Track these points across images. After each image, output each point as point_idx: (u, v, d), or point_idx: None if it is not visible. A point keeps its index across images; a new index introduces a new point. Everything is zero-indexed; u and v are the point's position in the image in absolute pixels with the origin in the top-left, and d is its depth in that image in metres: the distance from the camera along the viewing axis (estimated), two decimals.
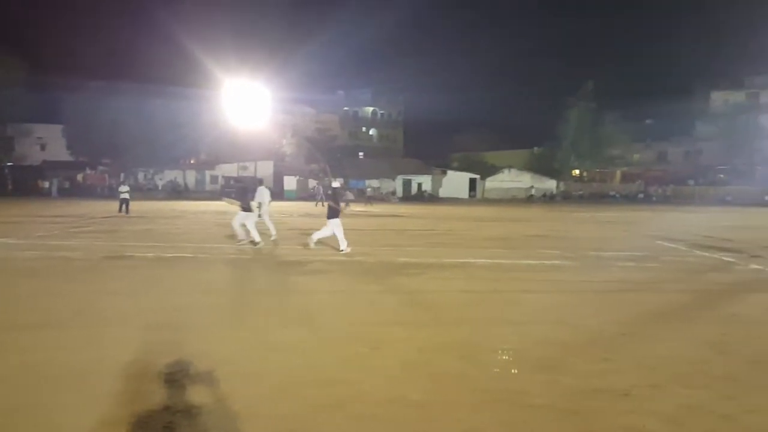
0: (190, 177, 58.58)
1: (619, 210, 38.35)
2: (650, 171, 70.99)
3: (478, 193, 62.11)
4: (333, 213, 12.88)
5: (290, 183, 56.46)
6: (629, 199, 58.60)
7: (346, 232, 12.96)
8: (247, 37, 69.54)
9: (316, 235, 13.10)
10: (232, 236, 16.14)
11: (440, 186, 61.16)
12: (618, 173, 71.30)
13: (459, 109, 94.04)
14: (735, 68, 72.20)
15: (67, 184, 54.36)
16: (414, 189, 60.40)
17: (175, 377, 4.59)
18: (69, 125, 52.66)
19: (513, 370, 4.87)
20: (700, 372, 4.87)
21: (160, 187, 54.66)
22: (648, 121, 73.34)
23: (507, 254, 13.07)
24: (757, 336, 6.15)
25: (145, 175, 57.42)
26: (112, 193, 45.70)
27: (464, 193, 61.00)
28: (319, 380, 4.59)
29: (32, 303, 7.35)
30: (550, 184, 63.13)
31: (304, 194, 55.60)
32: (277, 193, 54.35)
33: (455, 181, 61.65)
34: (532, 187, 58.93)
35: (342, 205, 13.56)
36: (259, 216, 15.10)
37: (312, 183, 55.28)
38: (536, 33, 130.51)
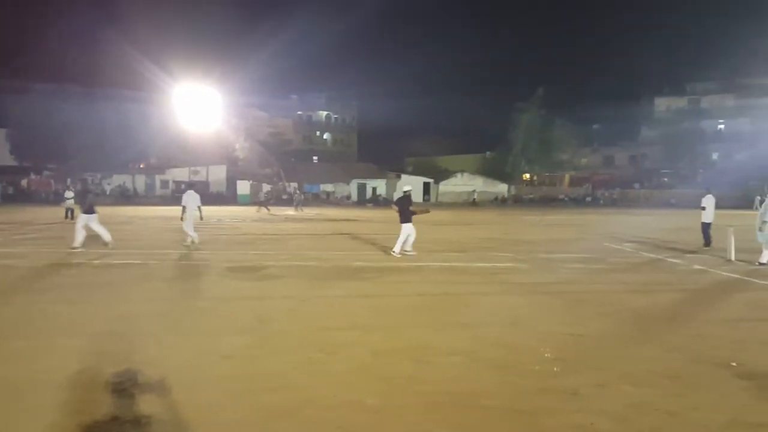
0: (140, 182, 57.08)
1: (568, 213, 39.31)
2: (598, 175, 73.10)
3: (432, 197, 62.66)
4: (405, 218, 13.06)
5: (243, 187, 55.69)
6: (578, 203, 60.14)
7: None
8: (198, 40, 68.30)
9: (398, 244, 13.21)
10: (182, 242, 15.82)
11: (394, 190, 61.40)
12: (567, 177, 73.09)
13: (413, 113, 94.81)
14: (678, 75, 75.27)
15: (10, 190, 52.20)
16: (369, 193, 60.48)
17: (124, 386, 4.47)
18: (12, 129, 50.71)
19: (465, 372, 4.94)
20: (646, 371, 5.03)
21: (108, 192, 53.06)
22: (595, 126, 75.59)
23: (461, 257, 13.23)
24: (698, 334, 6.40)
25: (92, 180, 55.65)
26: (58, 199, 44.12)
27: (418, 197, 61.42)
28: (272, 386, 4.54)
29: None
30: (502, 188, 64.25)
31: (257, 199, 55.00)
32: (231, 198, 53.58)
33: (409, 185, 61.96)
34: (474, 191, 59.67)
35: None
36: (182, 220, 14.91)
37: (293, 187, 54.65)
38: (488, 40, 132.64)
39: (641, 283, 10.00)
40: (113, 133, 50.40)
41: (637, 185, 67.26)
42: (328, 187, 61.40)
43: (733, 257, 12.78)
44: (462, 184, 63.35)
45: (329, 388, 4.52)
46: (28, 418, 3.92)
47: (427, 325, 6.68)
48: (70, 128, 47.90)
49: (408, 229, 13.12)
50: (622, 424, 3.89)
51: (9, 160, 53.42)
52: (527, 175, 71.76)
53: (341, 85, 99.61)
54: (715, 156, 70.32)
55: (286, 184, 58.58)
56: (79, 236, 13.55)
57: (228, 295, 8.45)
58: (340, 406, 4.17)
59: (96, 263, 11.47)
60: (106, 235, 13.89)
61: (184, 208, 15.07)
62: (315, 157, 76.79)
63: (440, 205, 56.30)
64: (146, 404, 4.14)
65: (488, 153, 72.40)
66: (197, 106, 48.01)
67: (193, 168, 56.03)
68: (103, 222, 14.53)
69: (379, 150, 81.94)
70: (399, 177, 63.72)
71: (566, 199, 62.81)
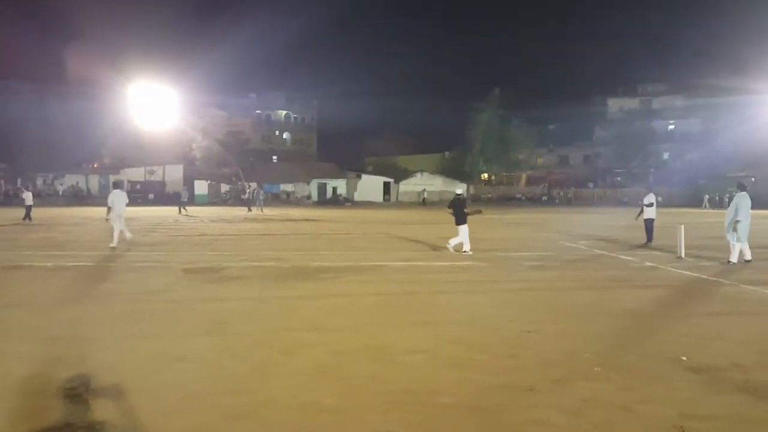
0: (93, 182, 55.49)
1: (524, 212, 39.99)
2: (553, 174, 74.60)
3: (393, 197, 62.86)
4: (461, 219, 13.56)
5: (201, 187, 54.78)
6: (534, 202, 61.24)
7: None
8: (155, 37, 67.09)
9: (453, 242, 13.73)
10: (136, 243, 15.49)
11: (355, 190, 61.36)
12: (524, 177, 74.42)
13: (373, 113, 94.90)
14: (630, 76, 77.31)
15: None
16: (329, 193, 60.26)
17: (77, 392, 4.34)
18: None
19: (424, 370, 4.97)
20: (599, 365, 5.16)
21: (60, 193, 51.42)
22: (551, 127, 77.03)
23: (421, 256, 13.31)
24: (651, 329, 6.59)
25: (44, 180, 53.86)
26: (8, 201, 42.58)
27: (379, 197, 61.53)
28: (229, 389, 4.48)
29: None
30: (461, 188, 64.91)
31: (216, 199, 54.14)
32: (188, 198, 52.64)
33: (370, 185, 62.08)
34: (423, 190, 60.08)
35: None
36: (107, 220, 14.63)
37: (252, 186, 53.79)
38: (447, 40, 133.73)
39: (595, 280, 10.24)
40: (64, 131, 48.94)
41: (591, 184, 68.88)
42: (288, 187, 60.92)
43: (683, 254, 13.19)
44: (422, 183, 63.73)
45: (288, 390, 4.49)
46: None
47: (386, 324, 6.70)
48: (20, 127, 46.26)
49: (464, 230, 13.59)
50: (576, 418, 3.98)
51: None
52: (485, 175, 72.72)
53: (301, 85, 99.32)
54: (666, 155, 72.53)
55: (245, 184, 57.91)
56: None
57: (185, 296, 8.30)
58: (299, 408, 4.14)
59: (49, 266, 11.11)
60: None
61: (109, 208, 14.73)
62: (274, 157, 76.11)
63: (401, 204, 56.54)
64: (100, 410, 4.03)
65: (447, 153, 73.08)
66: (153, 104, 47.05)
67: (148, 167, 54.85)
68: (56, 223, 14.10)
69: (339, 150, 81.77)
70: (359, 177, 63.73)
71: (523, 198, 63.88)
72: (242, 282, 9.58)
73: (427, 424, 3.90)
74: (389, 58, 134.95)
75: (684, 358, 5.31)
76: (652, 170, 68.01)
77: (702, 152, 62.40)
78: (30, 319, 6.82)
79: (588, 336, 6.20)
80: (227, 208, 42.89)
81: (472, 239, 13.84)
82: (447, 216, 14.48)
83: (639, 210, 16.41)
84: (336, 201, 56.48)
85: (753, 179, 52.35)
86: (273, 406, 4.16)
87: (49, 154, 49.12)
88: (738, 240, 12.01)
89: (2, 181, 51.65)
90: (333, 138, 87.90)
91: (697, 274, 10.72)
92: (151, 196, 51.38)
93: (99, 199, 51.48)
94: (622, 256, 13.56)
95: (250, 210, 35.32)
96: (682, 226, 13.76)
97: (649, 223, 15.98)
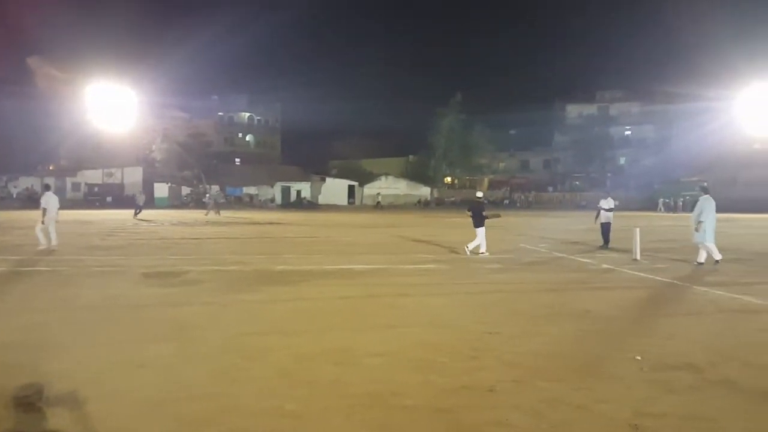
0: (49, 184, 54.05)
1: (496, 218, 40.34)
2: (515, 178, 75.85)
3: (357, 200, 62.87)
4: (479, 222, 14.01)
5: (161, 190, 53.79)
6: (496, 205, 61.88)
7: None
8: (114, 37, 65.48)
9: (471, 245, 14.13)
10: (94, 247, 15.16)
11: (319, 193, 61.19)
12: (486, 180, 75.36)
13: (337, 116, 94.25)
14: (588, 83, 79.33)
15: None
16: (293, 196, 59.92)
17: (30, 401, 4.22)
18: None
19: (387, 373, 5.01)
20: (558, 366, 5.27)
21: (15, 196, 49.79)
22: (512, 132, 78.30)
23: (384, 259, 13.35)
24: (607, 331, 6.77)
25: None
26: None
27: (343, 200, 61.49)
28: (191, 395, 4.43)
29: None
30: (425, 191, 65.34)
31: (176, 201, 53.24)
32: (147, 201, 51.61)
33: (334, 188, 62.01)
34: (378, 194, 60.26)
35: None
36: (42, 222, 14.35)
37: (186, 190, 53.00)
38: (412, 45, 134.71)
39: (554, 282, 10.44)
40: (18, 133, 47.44)
41: (551, 188, 70.26)
42: (252, 190, 60.34)
43: (638, 256, 13.56)
44: (386, 187, 63.97)
45: (250, 395, 4.46)
46: None
47: (350, 327, 6.71)
48: None
49: (482, 233, 14.02)
50: (535, 419, 4.06)
51: None
52: (449, 179, 73.42)
53: (264, 87, 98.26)
54: (622, 160, 74.44)
55: (207, 186, 57.10)
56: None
57: (144, 301, 8.14)
58: (262, 413, 4.12)
59: (2, 271, 10.77)
60: None
61: (44, 210, 14.40)
62: (237, 160, 75.30)
63: (365, 208, 56.55)
64: (55, 419, 3.94)
65: (411, 157, 73.54)
66: (112, 105, 45.99)
67: (106, 170, 53.62)
68: (9, 227, 13.68)
69: (303, 152, 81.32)
70: (324, 180, 63.60)
71: (485, 201, 64.57)
72: (204, 286, 9.46)
73: (391, 427, 3.93)
74: (354, 62, 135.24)
75: (639, 358, 5.46)
76: (609, 175, 69.69)
77: (657, 157, 64.32)
78: None
79: (547, 336, 6.33)
80: (188, 211, 42.21)
81: (434, 241, 13.96)
82: (404, 218, 14.62)
83: (596, 213, 16.80)
84: (300, 204, 56.20)
85: (705, 183, 54.08)
86: (235, 412, 4.13)
87: (2, 156, 47.57)
88: (705, 241, 12.42)
89: None
90: (297, 141, 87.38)
91: (652, 276, 11.03)
92: (109, 199, 50.26)
93: None
94: (581, 259, 13.86)
95: (207, 214, 34.93)
96: (638, 229, 14.15)
97: (606, 227, 16.39)
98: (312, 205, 55.57)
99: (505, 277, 11.04)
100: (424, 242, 18.03)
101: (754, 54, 45.52)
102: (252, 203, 57.09)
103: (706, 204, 12.47)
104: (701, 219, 12.34)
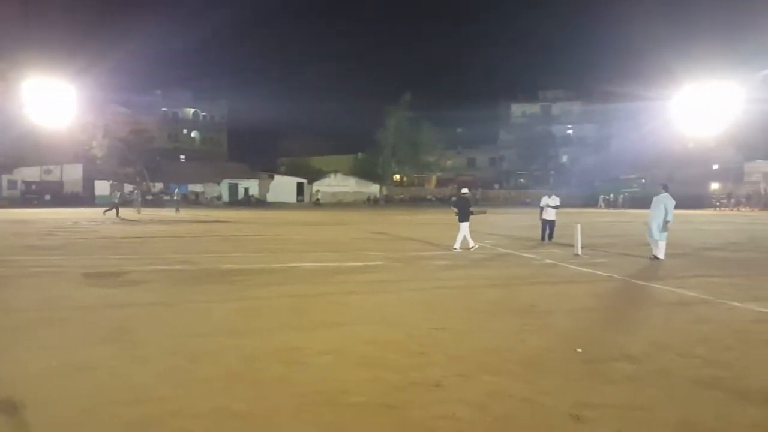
0: None
1: (434, 213, 40.90)
2: (462, 176, 76.99)
3: (306, 197, 62.50)
4: (464, 217, 14.52)
5: (102, 187, 52.07)
6: (444, 202, 62.72)
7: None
8: (52, 29, 62.62)
9: (457, 242, 14.45)
10: (32, 247, 14.60)
11: (268, 190, 60.50)
12: (434, 178, 76.27)
13: (286, 113, 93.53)
14: (531, 82, 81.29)
15: None
16: (241, 193, 59.06)
17: None
18: None
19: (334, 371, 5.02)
20: (503, 360, 5.40)
21: None
22: (459, 130, 79.53)
23: (333, 257, 13.33)
24: (550, 325, 6.97)
25: None
26: None
27: (292, 198, 61.01)
28: (134, 399, 4.32)
29: None
30: (374, 189, 65.54)
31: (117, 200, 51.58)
32: (88, 199, 49.90)
33: (283, 186, 61.46)
34: (318, 191, 60.31)
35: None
36: None
37: (129, 188, 51.43)
38: (361, 43, 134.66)
39: (499, 278, 10.67)
40: None
41: (497, 186, 71.67)
42: (198, 188, 59.10)
43: (579, 251, 13.99)
44: (336, 184, 63.86)
45: (196, 397, 4.39)
46: None
47: (297, 326, 6.68)
48: None
49: (465, 227, 14.46)
50: (480, 412, 4.16)
51: None
52: (398, 176, 73.91)
53: (209, 83, 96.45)
54: (564, 159, 76.61)
55: (151, 184, 55.61)
56: None
57: (85, 303, 7.87)
58: (207, 415, 4.06)
59: None
60: None
61: None
62: (182, 156, 73.62)
63: (315, 205, 56.26)
64: None
65: (360, 154, 73.63)
66: (50, 101, 44.23)
67: (45, 167, 51.52)
68: None
69: (250, 150, 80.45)
70: (272, 177, 62.94)
71: (434, 199, 65.40)
72: (148, 286, 9.23)
73: (340, 424, 3.95)
74: (304, 59, 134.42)
75: (579, 350, 5.66)
76: (552, 173, 71.65)
77: (598, 156, 66.50)
78: None
79: (491, 331, 6.47)
80: (130, 209, 41.02)
81: (382, 239, 14.04)
82: (352, 216, 14.69)
83: (540, 210, 17.31)
84: (248, 202, 55.43)
85: (643, 181, 56.34)
86: (180, 415, 4.06)
87: None
88: (663, 238, 12.92)
89: None
90: (245, 137, 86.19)
91: (593, 271, 11.41)
92: (47, 197, 48.35)
93: None
94: (525, 254, 14.20)
95: (139, 212, 34.48)
96: (579, 225, 14.60)
97: (551, 223, 16.88)
98: (260, 203, 54.92)
99: (453, 273, 11.20)
100: (372, 240, 18.09)
101: (689, 57, 47.60)
102: (198, 201, 55.94)
103: (669, 202, 12.89)
104: (668, 218, 12.75)
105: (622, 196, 54.28)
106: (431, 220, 30.99)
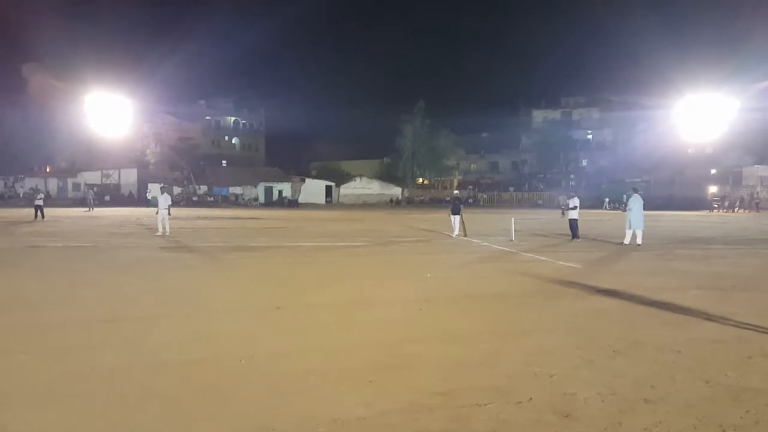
0: (52, 185, 58.72)
1: (447, 212, 45.29)
2: (484, 179, 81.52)
3: (334, 199, 68.01)
4: (456, 210, 20.31)
5: (155, 190, 58.77)
6: (461, 203, 67.21)
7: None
8: (109, 48, 70.19)
9: (455, 232, 19.63)
10: (113, 233, 20.08)
11: (299, 193, 66.12)
12: (455, 181, 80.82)
13: (318, 120, 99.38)
14: (553, 90, 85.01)
15: None
16: (275, 195, 64.80)
17: None
18: None
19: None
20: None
21: (21, 195, 54.42)
22: (483, 135, 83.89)
23: (330, 240, 18.51)
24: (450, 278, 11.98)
25: (5, 183, 57.06)
26: None
27: (321, 199, 66.53)
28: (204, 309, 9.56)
29: None
30: (396, 191, 70.77)
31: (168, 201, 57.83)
32: (142, 200, 56.49)
33: (313, 188, 66.98)
34: (330, 189, 65.45)
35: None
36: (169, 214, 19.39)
37: (178, 190, 57.58)
38: (390, 54, 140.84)
39: (460, 260, 15.64)
40: (21, 137, 52.16)
41: (512, 188, 75.82)
42: (237, 190, 65.18)
43: (513, 238, 18.66)
44: (360, 187, 69.19)
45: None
46: None
47: (288, 280, 11.88)
48: None
49: (456, 219, 19.89)
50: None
51: None
52: (420, 179, 78.86)
53: (249, 92, 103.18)
54: (584, 162, 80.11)
55: (196, 186, 61.98)
56: None
57: (164, 258, 13.24)
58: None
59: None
60: None
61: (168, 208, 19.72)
62: (224, 161, 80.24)
63: (341, 206, 61.69)
64: None
65: (385, 159, 78.86)
66: (108, 112, 50.71)
67: (104, 171, 58.40)
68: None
69: (285, 155, 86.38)
70: (303, 180, 68.56)
71: (449, 200, 69.90)
72: (199, 251, 14.52)
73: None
74: (335, 68, 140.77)
75: (429, 275, 10.68)
76: (572, 176, 75.42)
77: (609, 159, 70.14)
78: None
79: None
80: (179, 208, 47.06)
81: (377, 231, 18.99)
82: (378, 215, 19.52)
83: (561, 211, 20.53)
84: (282, 203, 61.12)
85: (649, 182, 59.94)
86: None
87: (7, 158, 52.20)
88: (638, 227, 16.52)
89: None
90: (280, 143, 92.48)
91: (532, 255, 16.25)
92: (107, 198, 54.98)
93: (58, 200, 54.94)
94: (508, 249, 19.07)
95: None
96: (513, 219, 19.41)
97: (574, 222, 18.83)
98: (292, 204, 60.57)
99: (400, 248, 16.23)
100: (369, 231, 23.16)
101: (691, 69, 51.43)
102: (237, 202, 61.93)
103: (638, 201, 16.63)
104: (630, 207, 16.63)
105: (624, 197, 57.74)
106: (436, 218, 35.60)
